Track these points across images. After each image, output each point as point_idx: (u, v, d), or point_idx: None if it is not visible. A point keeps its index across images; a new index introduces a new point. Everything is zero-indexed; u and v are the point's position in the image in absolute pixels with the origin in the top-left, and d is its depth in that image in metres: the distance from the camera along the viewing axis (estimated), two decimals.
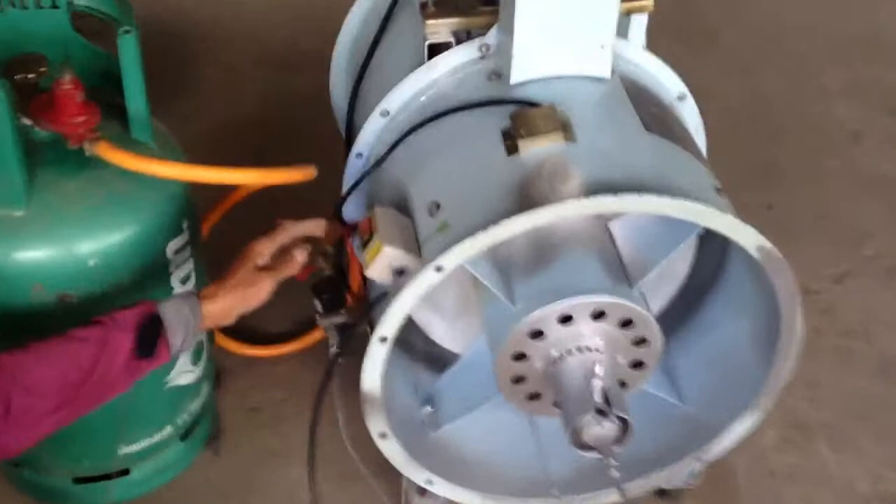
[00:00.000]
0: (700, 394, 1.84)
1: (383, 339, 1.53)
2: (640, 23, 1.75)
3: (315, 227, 1.57)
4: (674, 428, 1.84)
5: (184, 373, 1.79)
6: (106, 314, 1.41)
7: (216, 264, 2.11)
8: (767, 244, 1.51)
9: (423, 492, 1.79)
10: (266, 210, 2.33)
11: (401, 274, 1.49)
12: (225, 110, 2.80)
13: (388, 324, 1.50)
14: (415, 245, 1.51)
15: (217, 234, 2.11)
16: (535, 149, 1.50)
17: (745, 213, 2.67)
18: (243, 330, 2.20)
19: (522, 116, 1.54)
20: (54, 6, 1.57)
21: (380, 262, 1.48)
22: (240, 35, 3.03)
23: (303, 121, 2.69)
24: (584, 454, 1.57)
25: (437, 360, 1.88)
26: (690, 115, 1.85)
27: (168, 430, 1.83)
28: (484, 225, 1.41)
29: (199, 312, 1.46)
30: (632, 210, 1.44)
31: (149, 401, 1.74)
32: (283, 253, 1.55)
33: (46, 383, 1.34)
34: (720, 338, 1.83)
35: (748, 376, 1.74)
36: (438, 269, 1.45)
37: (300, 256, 1.56)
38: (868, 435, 2.13)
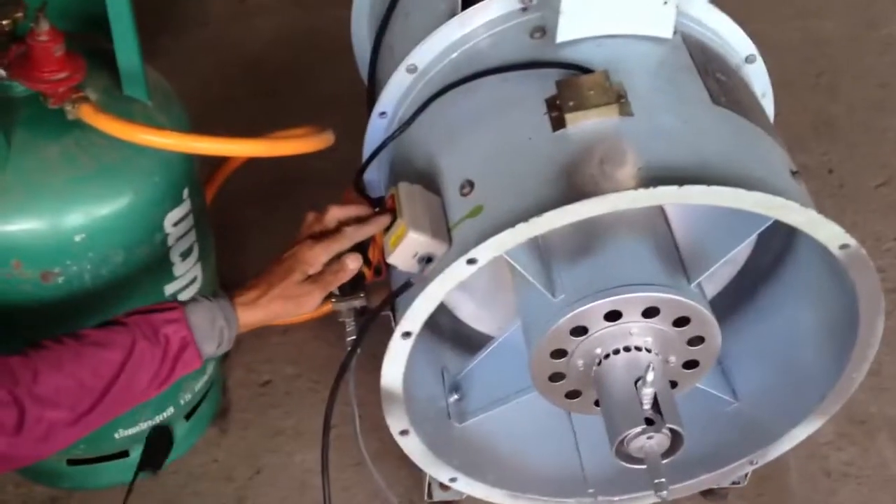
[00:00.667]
0: (757, 391, 1.67)
1: (406, 335, 1.35)
2: None
3: (377, 228, 1.35)
4: (725, 427, 1.67)
5: None
6: (126, 314, 1.24)
7: (222, 234, 1.97)
8: (853, 242, 1.31)
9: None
10: (275, 169, 2.20)
11: (427, 262, 1.31)
12: (236, 47, 2.61)
13: (413, 319, 1.33)
14: (443, 229, 1.32)
15: (224, 198, 1.94)
16: (584, 124, 1.30)
17: (805, 177, 2.49)
18: None
19: (570, 84, 1.33)
20: None
21: (404, 249, 1.30)
22: None
23: (320, 62, 2.50)
24: (629, 465, 1.40)
25: (466, 339, 1.71)
26: (759, 79, 1.64)
27: (170, 410, 1.68)
28: (524, 215, 1.22)
29: (234, 322, 1.29)
30: (699, 203, 1.24)
31: None
32: (333, 258, 1.35)
33: (61, 394, 1.18)
34: (780, 327, 1.65)
35: (813, 377, 1.57)
36: (471, 261, 1.26)
37: (353, 264, 1.35)
38: None
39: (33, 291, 1.38)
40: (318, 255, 1.32)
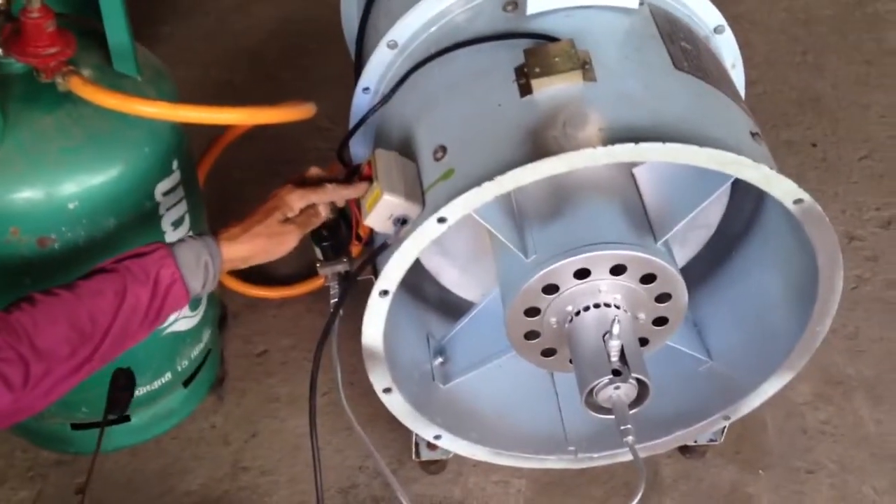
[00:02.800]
0: (729, 350, 1.73)
1: (384, 293, 1.42)
2: None
3: (356, 192, 1.43)
4: (700, 385, 1.73)
5: (182, 318, 1.70)
6: (115, 260, 1.31)
7: (219, 210, 2.04)
8: (806, 197, 1.37)
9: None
10: (273, 149, 2.28)
11: (402, 223, 1.38)
12: (236, 35, 2.69)
13: (389, 277, 1.40)
14: (418, 192, 1.39)
15: (221, 175, 2.02)
16: (550, 89, 1.37)
17: (788, 152, 2.53)
18: (250, 271, 2.11)
19: (537, 52, 1.40)
20: None
21: (379, 211, 1.37)
22: None
23: (318, 48, 2.57)
24: (599, 416, 1.47)
25: (452, 307, 1.78)
26: (728, 49, 1.70)
27: (167, 376, 1.75)
28: (491, 174, 1.29)
29: (219, 258, 1.36)
30: (655, 160, 1.31)
31: (145, 348, 1.63)
32: (308, 206, 1.44)
33: (62, 345, 1.24)
34: (751, 290, 1.71)
35: (780, 334, 1.63)
36: (441, 220, 1.34)
37: (324, 211, 1.45)
38: None
39: (31, 256, 1.46)
40: (297, 200, 1.40)
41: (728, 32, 1.69)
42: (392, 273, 1.39)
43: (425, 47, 1.58)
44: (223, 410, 1.92)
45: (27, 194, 1.41)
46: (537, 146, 1.31)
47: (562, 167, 1.28)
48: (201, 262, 1.31)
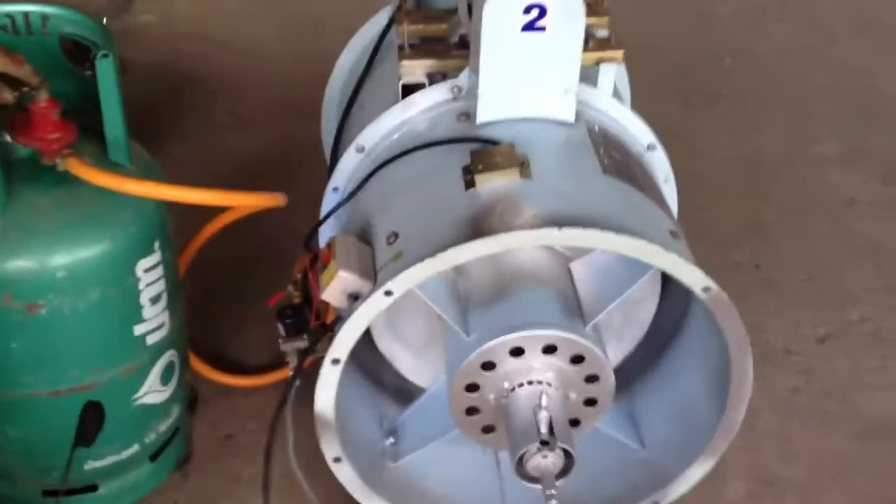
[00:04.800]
0: (660, 439, 1.87)
1: (335, 361, 1.57)
2: (608, 72, 1.80)
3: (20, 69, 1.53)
4: (633, 471, 1.86)
5: (153, 392, 1.83)
6: None
7: (199, 302, 2.19)
8: (713, 285, 1.54)
9: None
10: (253, 246, 2.45)
11: (355, 299, 1.54)
12: (233, 152, 2.88)
13: (340, 345, 1.55)
14: (371, 272, 1.56)
15: (203, 267, 2.17)
16: (491, 184, 1.56)
17: (731, 271, 2.70)
18: (222, 359, 2.26)
19: (482, 153, 1.60)
20: (45, 32, 1.66)
21: (335, 286, 1.53)
22: (257, 84, 3.14)
23: (308, 166, 2.77)
24: (528, 485, 1.59)
25: (406, 393, 1.92)
26: (659, 165, 1.90)
27: (135, 448, 1.87)
28: (432, 253, 1.46)
29: None
30: (575, 244, 1.49)
31: (116, 416, 1.79)
32: None
33: None
34: (680, 383, 1.86)
35: (703, 422, 1.77)
36: (388, 293, 1.50)
37: (7, 95, 1.54)
38: (840, 495, 2.12)
39: (21, 321, 1.61)
40: None
41: (660, 150, 1.89)
42: (343, 342, 1.55)
43: (388, 150, 1.78)
44: (186, 487, 2.02)
45: (21, 263, 1.57)
46: (475, 230, 1.49)
47: (495, 248, 1.46)
48: None
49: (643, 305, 1.86)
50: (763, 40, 3.61)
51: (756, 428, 2.17)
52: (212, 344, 2.30)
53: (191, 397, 2.12)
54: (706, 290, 1.54)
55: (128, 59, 3.15)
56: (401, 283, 1.48)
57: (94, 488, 1.89)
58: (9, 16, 1.65)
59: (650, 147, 1.88)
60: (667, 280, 1.82)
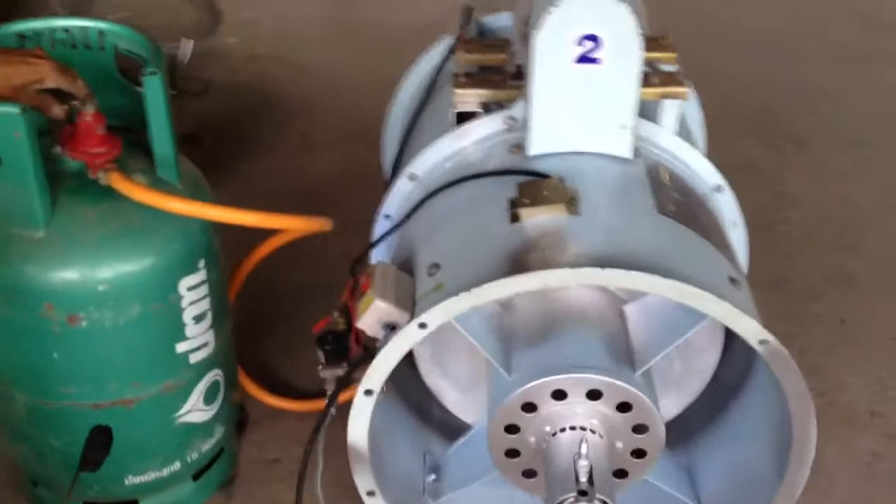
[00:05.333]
0: (717, 498, 1.76)
1: (368, 392, 1.53)
2: (673, 109, 1.73)
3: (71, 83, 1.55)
4: None
5: (196, 411, 1.82)
6: None
7: (256, 324, 2.16)
8: (771, 338, 1.45)
9: None
10: (313, 273, 2.44)
11: (392, 329, 1.50)
12: (304, 174, 2.90)
13: (372, 377, 1.51)
14: (409, 303, 1.51)
15: (258, 289, 2.17)
16: (536, 219, 1.50)
17: (813, 323, 2.57)
18: (275, 382, 2.24)
19: (529, 186, 1.54)
20: (101, 48, 1.67)
21: (370, 315, 1.49)
22: (330, 108, 3.16)
23: (374, 192, 2.76)
24: None
25: (455, 431, 1.86)
26: (727, 209, 1.82)
27: (177, 465, 1.85)
28: (470, 286, 1.41)
29: None
30: (619, 285, 1.41)
31: (157, 433, 1.79)
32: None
33: None
34: (742, 445, 1.76)
35: (765, 484, 1.66)
36: (422, 325, 1.45)
37: (59, 111, 1.55)
38: None
39: (61, 332, 1.61)
40: (54, 77, 1.52)
41: (728, 192, 1.81)
42: (375, 373, 1.50)
43: (439, 179, 1.74)
44: None
45: (64, 274, 1.58)
46: (516, 265, 1.43)
47: (534, 285, 1.40)
48: None
49: (705, 355, 1.77)
50: (857, 80, 3.47)
51: (831, 493, 2.06)
52: (266, 366, 2.29)
53: (240, 418, 2.11)
54: (763, 343, 1.45)
55: (210, 79, 3.22)
56: (436, 316, 1.44)
57: (134, 503, 1.88)
58: (67, 30, 1.67)
59: (717, 189, 1.80)
60: (731, 332, 1.73)
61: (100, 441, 1.68)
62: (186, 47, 3.11)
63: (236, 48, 3.45)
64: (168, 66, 2.95)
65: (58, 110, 1.54)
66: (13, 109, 1.46)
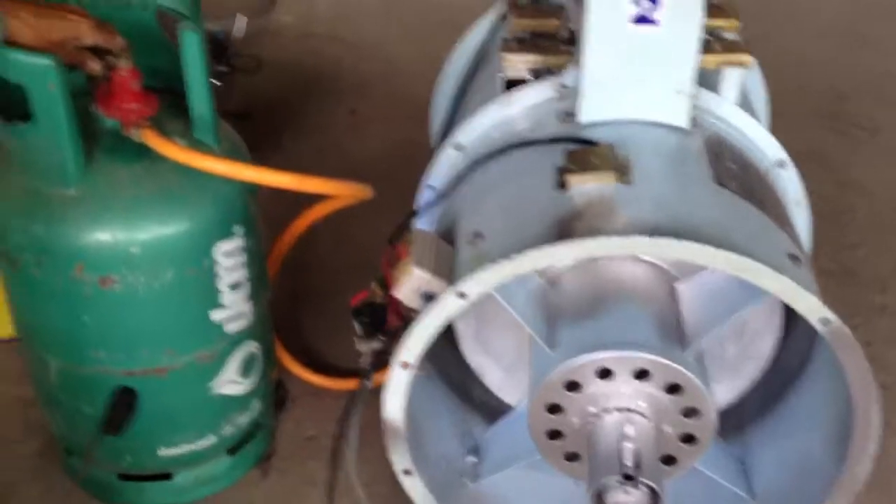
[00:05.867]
0: (772, 490, 1.67)
1: (405, 365, 1.47)
2: (733, 77, 1.64)
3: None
4: None
5: (230, 383, 1.78)
6: None
7: (299, 301, 2.12)
8: (832, 317, 1.36)
9: None
10: (359, 252, 2.39)
11: (430, 299, 1.43)
12: (347, 152, 2.85)
13: (410, 348, 1.45)
14: (448, 272, 1.45)
15: (297, 267, 2.12)
16: (583, 186, 1.43)
17: (879, 314, 2.46)
18: (315, 359, 2.20)
19: (578, 154, 1.47)
20: (143, 6, 1.64)
21: (407, 284, 1.43)
22: (381, 85, 3.12)
23: (422, 169, 2.71)
24: None
25: (496, 412, 1.79)
26: (790, 186, 1.72)
27: (212, 439, 1.81)
28: (510, 254, 1.34)
29: None
30: (669, 255, 1.33)
31: (190, 404, 1.75)
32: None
33: None
34: (800, 435, 1.67)
35: (824, 476, 1.56)
36: (461, 294, 1.38)
37: (95, 65, 1.52)
38: None
39: (93, 294, 1.58)
40: (90, 34, 1.49)
41: (792, 169, 1.71)
42: (412, 345, 1.44)
43: (485, 149, 1.67)
44: (264, 486, 1.96)
45: (96, 235, 1.54)
46: (561, 234, 1.36)
47: (578, 253, 1.33)
48: None
49: (761, 339, 1.68)
50: None
51: (892, 488, 1.94)
52: (307, 344, 2.25)
53: (279, 395, 2.07)
54: (825, 322, 1.35)
55: (264, 56, 3.19)
56: (475, 286, 1.37)
57: (168, 476, 1.85)
58: None
59: (780, 164, 1.70)
60: (791, 314, 1.64)
61: (123, 403, 1.64)
62: (241, 24, 3.08)
63: (291, 26, 3.42)
64: (223, 43, 2.97)
65: (94, 65, 1.50)
66: (46, 61, 1.42)
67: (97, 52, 1.51)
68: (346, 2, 3.53)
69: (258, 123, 2.83)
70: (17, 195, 1.56)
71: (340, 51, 3.27)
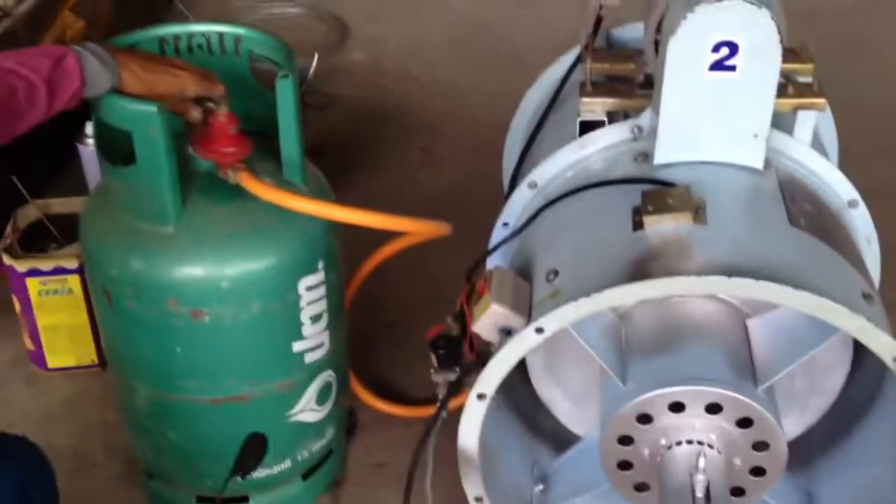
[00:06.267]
0: None
1: (481, 396, 1.52)
2: (808, 120, 1.67)
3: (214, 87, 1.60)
4: None
5: (308, 410, 1.84)
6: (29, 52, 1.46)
7: (370, 330, 2.19)
8: None
9: None
10: (429, 287, 2.45)
11: (508, 334, 1.48)
12: (423, 187, 2.92)
13: (486, 381, 1.50)
14: (526, 308, 1.50)
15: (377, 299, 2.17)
16: (660, 226, 1.46)
17: None
18: (385, 388, 2.25)
19: (654, 194, 1.51)
20: (237, 54, 1.72)
21: (486, 319, 1.48)
22: (452, 123, 3.17)
23: (494, 207, 2.75)
24: None
25: (564, 443, 1.83)
26: (862, 224, 1.74)
27: (287, 464, 1.87)
28: (589, 292, 1.39)
29: (111, 62, 1.50)
30: (746, 295, 1.37)
31: (270, 430, 1.81)
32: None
33: None
34: (868, 470, 1.68)
35: None
36: (539, 330, 1.43)
37: (196, 113, 1.60)
38: None
39: (184, 327, 1.65)
40: (194, 87, 1.57)
41: (862, 207, 1.73)
42: (489, 377, 1.49)
43: (560, 188, 1.71)
44: None
45: (189, 270, 1.62)
46: (637, 273, 1.40)
47: (655, 292, 1.37)
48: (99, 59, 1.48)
49: (831, 374, 1.69)
50: None
51: None
52: (378, 372, 2.31)
53: (349, 422, 2.12)
54: None
55: (335, 94, 3.28)
56: (553, 322, 1.41)
57: (244, 500, 1.91)
58: (205, 35, 1.72)
59: (851, 203, 1.72)
60: (859, 349, 1.66)
61: (254, 448, 1.71)
62: (313, 62, 3.18)
63: (362, 64, 3.50)
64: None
65: (196, 114, 1.59)
66: (151, 108, 1.51)
67: (197, 98, 1.59)
68: (416, 39, 3.60)
69: (329, 160, 2.91)
70: (118, 232, 1.65)
71: (411, 88, 3.34)
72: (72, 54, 1.46)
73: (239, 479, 1.80)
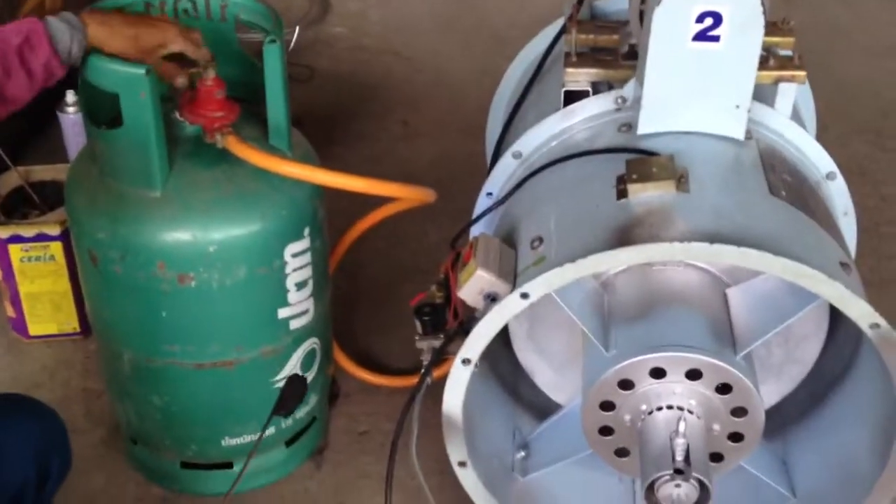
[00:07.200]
0: (813, 490, 1.73)
1: (466, 361, 1.54)
2: (788, 93, 1.70)
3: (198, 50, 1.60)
4: None
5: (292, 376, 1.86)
6: None
7: (351, 300, 2.21)
8: (882, 322, 1.41)
9: None
10: (408, 258, 2.47)
11: (492, 300, 1.50)
12: (402, 160, 2.92)
13: (472, 346, 1.52)
14: (510, 274, 1.52)
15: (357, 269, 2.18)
16: (643, 195, 1.49)
17: None
18: (367, 357, 2.27)
19: (637, 163, 1.53)
20: (223, 19, 1.72)
21: (472, 285, 1.50)
22: (433, 98, 3.18)
23: (475, 180, 2.77)
24: None
25: (544, 410, 1.86)
26: (839, 197, 1.78)
27: (271, 430, 1.89)
28: (573, 258, 1.41)
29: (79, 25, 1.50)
30: (727, 262, 1.39)
31: (254, 396, 1.82)
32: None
33: None
34: (842, 437, 1.72)
35: (865, 478, 1.62)
36: (524, 295, 1.45)
37: (182, 79, 1.61)
38: None
39: (171, 291, 1.66)
40: (178, 42, 1.57)
41: (840, 180, 1.77)
42: (474, 342, 1.51)
43: (544, 158, 1.73)
44: (318, 477, 2.04)
45: (177, 234, 1.63)
46: (621, 240, 1.42)
47: (638, 258, 1.39)
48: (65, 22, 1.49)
49: (807, 343, 1.73)
50: None
51: None
52: (358, 341, 2.32)
53: (332, 391, 2.14)
54: (874, 326, 1.41)
55: (317, 67, 3.27)
56: (538, 287, 1.43)
57: (229, 465, 1.92)
58: (190, 0, 1.72)
59: (829, 176, 1.76)
60: (835, 320, 1.70)
61: (295, 388, 1.75)
62: (291, 34, 3.17)
63: (343, 38, 3.49)
64: None
65: (181, 79, 1.59)
66: (139, 70, 1.51)
67: (181, 62, 1.59)
68: (398, 14, 3.60)
69: (310, 132, 2.91)
70: (104, 196, 1.65)
71: (392, 63, 3.34)
72: (39, 23, 1.47)
73: (281, 417, 1.82)
